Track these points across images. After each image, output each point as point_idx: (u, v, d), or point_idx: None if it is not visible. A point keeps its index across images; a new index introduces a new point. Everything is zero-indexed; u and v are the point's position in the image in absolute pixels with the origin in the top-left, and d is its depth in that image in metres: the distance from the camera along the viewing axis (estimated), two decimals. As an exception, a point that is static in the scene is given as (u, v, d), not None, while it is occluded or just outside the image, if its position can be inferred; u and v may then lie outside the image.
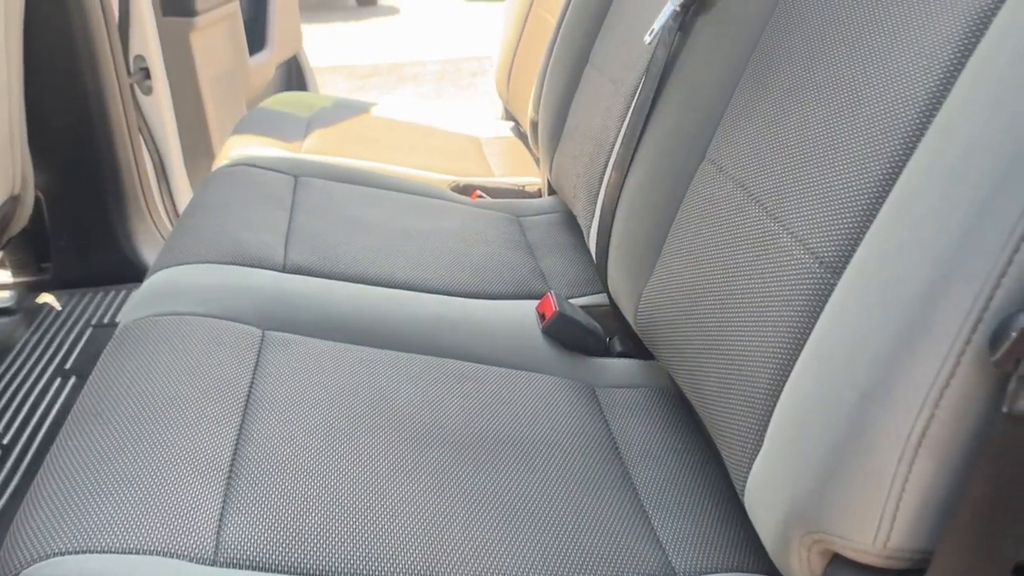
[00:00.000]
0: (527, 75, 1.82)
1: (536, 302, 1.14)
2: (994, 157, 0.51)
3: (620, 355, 1.08)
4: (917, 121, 0.60)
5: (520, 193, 1.62)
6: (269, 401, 0.84)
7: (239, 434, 0.78)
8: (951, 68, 0.59)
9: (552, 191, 1.50)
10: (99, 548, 0.62)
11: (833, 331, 0.60)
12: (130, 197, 2.07)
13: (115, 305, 1.99)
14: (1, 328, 1.92)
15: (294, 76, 2.95)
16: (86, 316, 1.94)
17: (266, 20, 2.63)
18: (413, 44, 7.92)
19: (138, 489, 0.68)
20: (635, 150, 1.04)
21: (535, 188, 1.64)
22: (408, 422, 0.86)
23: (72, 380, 1.71)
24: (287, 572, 0.65)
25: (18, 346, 1.81)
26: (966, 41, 0.59)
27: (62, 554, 0.62)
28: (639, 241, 0.96)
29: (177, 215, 2.20)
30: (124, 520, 0.65)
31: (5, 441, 1.52)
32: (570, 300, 1.15)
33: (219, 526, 0.67)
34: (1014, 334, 0.46)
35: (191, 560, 0.63)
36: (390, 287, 1.13)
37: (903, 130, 0.61)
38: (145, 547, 0.63)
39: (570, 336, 1.06)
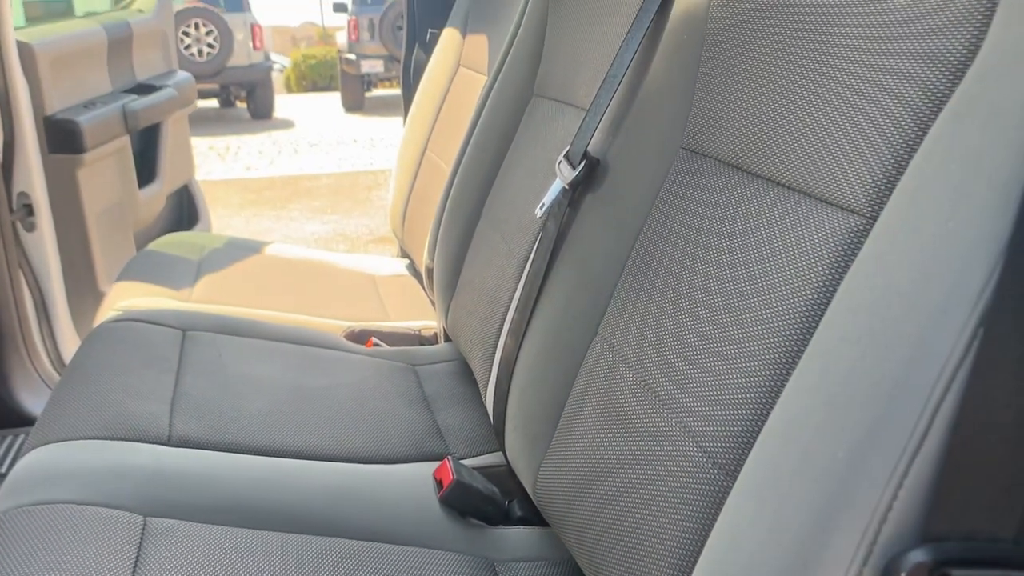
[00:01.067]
0: (421, 217, 1.82)
1: (434, 464, 1.11)
2: (875, 383, 0.52)
3: (520, 520, 1.06)
4: (796, 338, 0.61)
5: (416, 338, 1.60)
6: (149, 607, 0.78)
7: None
8: (826, 285, 0.61)
9: (448, 338, 1.48)
10: None
11: (727, 544, 0.60)
12: (8, 339, 1.94)
13: (-11, 455, 1.85)
14: None
15: (185, 204, 2.88)
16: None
17: (157, 152, 2.58)
18: (308, 157, 7.94)
19: None
20: (529, 318, 1.04)
21: (431, 332, 1.62)
22: (301, 620, 0.80)
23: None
24: None
25: None
26: (840, 261, 0.61)
27: None
28: (536, 413, 0.96)
29: (60, 357, 2.08)
30: None
31: None
32: (468, 460, 1.13)
33: None
34: (903, 574, 0.46)
35: None
36: (282, 456, 1.08)
37: (784, 344, 0.62)
38: None
39: (468, 504, 1.03)
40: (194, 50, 9.60)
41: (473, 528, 1.02)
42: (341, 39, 11.72)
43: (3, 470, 1.79)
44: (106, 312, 1.55)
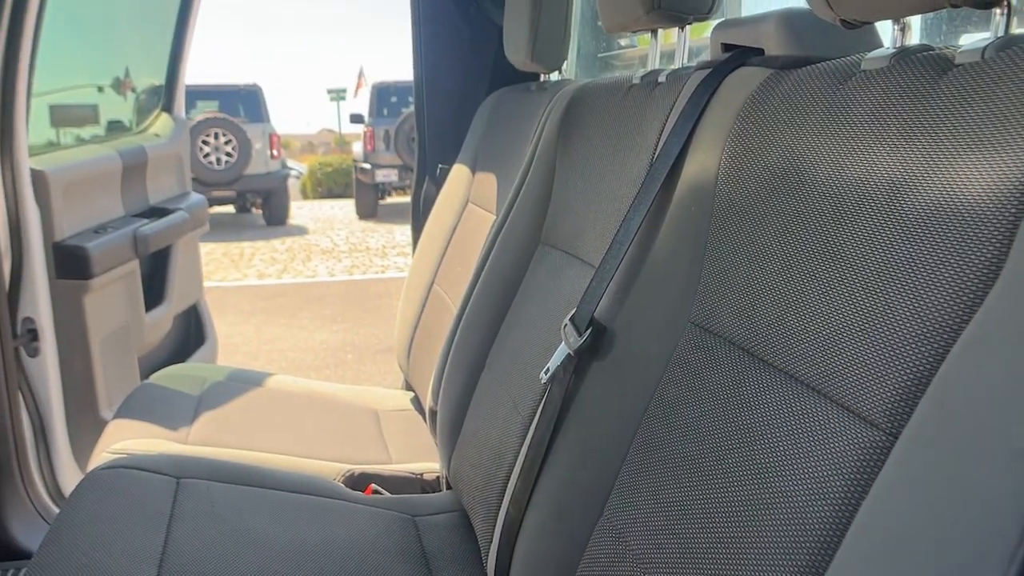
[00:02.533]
0: (426, 352, 1.80)
1: (429, 638, 1.05)
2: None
3: None
4: (813, 558, 0.57)
5: (418, 483, 1.55)
6: None
7: None
8: (846, 503, 0.58)
9: (451, 485, 1.44)
10: None
11: None
12: (4, 469, 1.90)
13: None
14: None
15: (192, 324, 2.87)
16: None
17: (166, 275, 2.59)
18: (320, 264, 8.01)
19: None
20: (533, 487, 1.00)
21: (434, 476, 1.57)
22: None
23: None
24: None
25: None
26: (860, 479, 0.57)
27: None
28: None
29: (58, 488, 2.02)
30: None
31: None
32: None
33: None
34: None
35: None
36: (271, 628, 1.02)
37: (801, 563, 0.58)
38: None
39: None
40: (213, 158, 9.84)
41: None
42: (357, 148, 12.01)
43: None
44: (101, 454, 1.51)
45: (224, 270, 7.75)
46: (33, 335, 2.02)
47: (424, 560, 1.25)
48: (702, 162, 0.91)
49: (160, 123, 2.85)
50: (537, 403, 1.08)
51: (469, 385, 1.36)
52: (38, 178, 2.01)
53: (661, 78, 1.14)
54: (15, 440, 1.92)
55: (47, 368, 2.04)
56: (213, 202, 10.56)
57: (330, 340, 5.32)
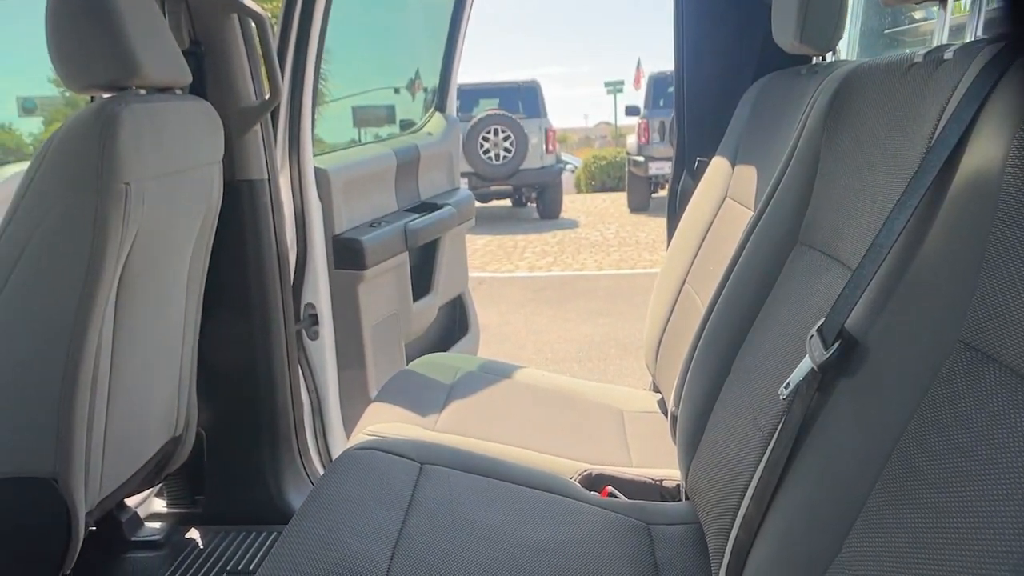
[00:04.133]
0: (674, 354, 1.74)
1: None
2: None
3: None
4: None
5: (656, 490, 1.50)
6: None
7: None
8: None
9: (689, 496, 1.37)
10: None
11: None
12: (283, 440, 2.11)
13: (252, 549, 1.99)
14: (146, 564, 1.95)
15: (457, 315, 3.02)
16: (223, 559, 1.94)
17: (434, 267, 2.74)
18: (589, 257, 8.12)
19: None
20: (765, 511, 0.91)
21: (674, 484, 1.51)
22: None
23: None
24: None
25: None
26: None
27: None
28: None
29: (330, 458, 2.22)
30: None
31: None
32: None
33: None
34: None
35: None
36: (493, 622, 1.03)
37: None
38: None
39: None
40: (492, 154, 10.33)
41: None
42: (631, 141, 12.04)
43: (250, 567, 1.91)
44: (358, 435, 1.63)
45: (498, 261, 8.10)
46: (314, 320, 2.23)
47: (655, 570, 1.20)
48: (985, 152, 0.77)
49: (433, 122, 3.02)
50: (777, 420, 0.99)
51: (712, 392, 1.28)
52: (321, 176, 2.20)
53: (947, 54, 0.99)
54: (295, 413, 2.12)
55: (324, 350, 2.23)
56: (490, 196, 11.10)
57: (594, 334, 5.38)
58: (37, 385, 1.45)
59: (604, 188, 14.56)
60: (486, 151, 10.32)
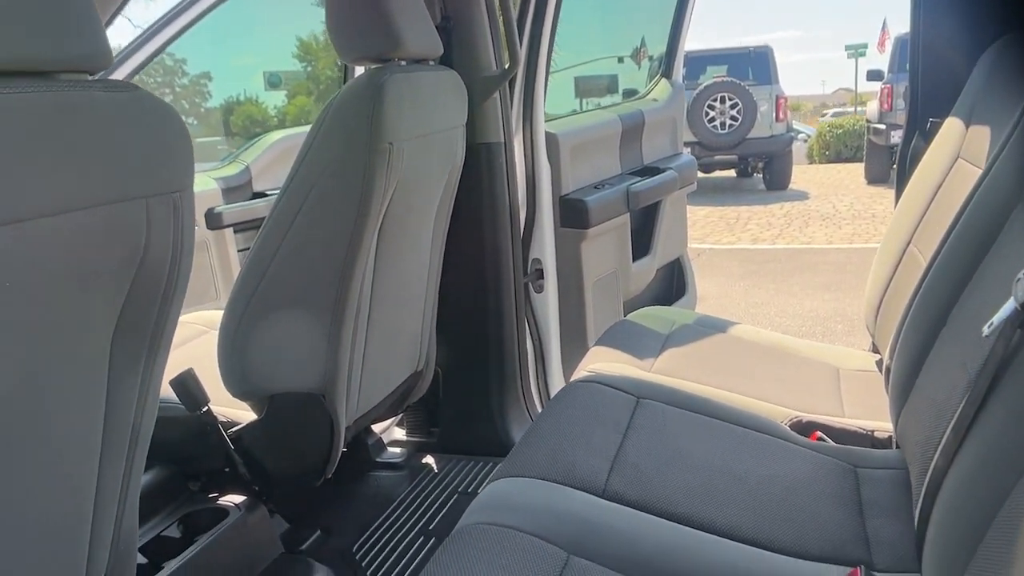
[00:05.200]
0: (895, 314, 1.79)
1: (845, 570, 1.12)
2: None
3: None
4: None
5: (868, 439, 1.58)
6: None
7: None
8: None
9: (899, 445, 1.45)
10: None
11: None
12: (509, 380, 2.36)
13: (480, 476, 2.26)
14: (388, 481, 2.27)
15: (675, 277, 3.15)
16: (455, 483, 2.23)
17: (654, 230, 2.89)
18: (818, 230, 7.90)
19: None
20: (961, 441, 1.01)
21: (885, 435, 1.59)
22: None
23: (432, 541, 1.97)
24: None
25: (397, 500, 2.13)
26: None
27: None
28: (951, 542, 0.93)
29: (549, 397, 2.45)
30: None
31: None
32: (885, 577, 1.11)
33: None
34: None
35: None
36: (700, 530, 1.19)
37: None
38: None
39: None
40: (717, 123, 10.22)
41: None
42: (871, 108, 11.45)
43: (478, 489, 2.17)
44: (580, 372, 1.82)
45: (718, 233, 8.07)
46: (539, 274, 2.45)
47: (858, 508, 1.30)
48: None
49: (659, 88, 3.16)
50: (982, 363, 1.07)
51: (926, 343, 1.36)
52: (551, 140, 2.41)
53: None
54: (520, 358, 2.36)
55: (548, 302, 2.46)
56: (714, 166, 10.99)
57: (820, 309, 5.29)
58: (313, 314, 1.76)
59: (840, 158, 13.93)
60: (711, 119, 10.22)
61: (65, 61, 0.85)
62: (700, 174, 10.09)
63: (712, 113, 10.20)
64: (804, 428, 1.60)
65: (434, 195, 1.99)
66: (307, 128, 1.86)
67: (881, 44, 16.07)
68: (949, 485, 1.00)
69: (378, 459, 2.33)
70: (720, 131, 10.23)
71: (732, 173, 11.83)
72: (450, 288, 2.24)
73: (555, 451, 1.33)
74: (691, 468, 1.34)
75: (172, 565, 1.64)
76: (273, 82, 6.41)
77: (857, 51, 19.04)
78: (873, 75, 11.62)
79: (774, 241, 7.61)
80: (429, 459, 2.35)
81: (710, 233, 8.08)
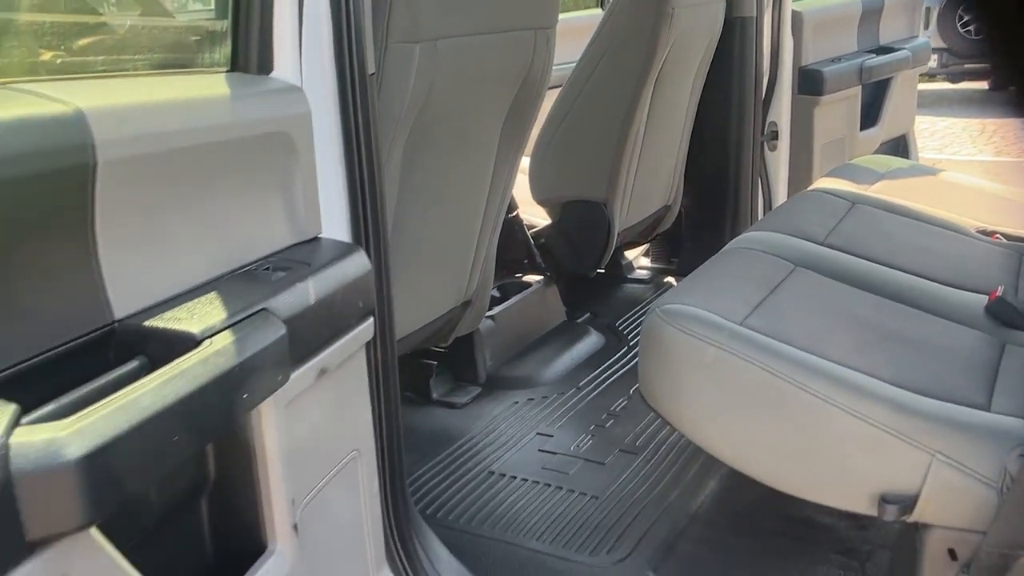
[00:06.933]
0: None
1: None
2: None
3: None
4: None
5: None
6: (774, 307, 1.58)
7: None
8: None
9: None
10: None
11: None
12: (741, 223, 2.98)
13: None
14: (639, 287, 2.96)
15: (900, 151, 3.61)
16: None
17: (882, 103, 3.37)
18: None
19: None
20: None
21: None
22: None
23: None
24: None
25: (648, 299, 2.82)
26: None
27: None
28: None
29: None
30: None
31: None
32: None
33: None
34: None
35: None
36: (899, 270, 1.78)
37: None
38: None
39: (1006, 315, 1.60)
40: (972, 27, 9.96)
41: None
42: None
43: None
44: (810, 187, 2.43)
45: (959, 144, 8.09)
46: (774, 135, 3.03)
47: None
48: None
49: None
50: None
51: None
52: (796, 17, 2.95)
53: None
54: (751, 206, 2.96)
55: (780, 161, 3.03)
56: (963, 76, 10.69)
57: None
58: (602, 142, 2.46)
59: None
60: (965, 24, 9.98)
61: None
62: (947, 84, 9.98)
63: (966, 17, 9.94)
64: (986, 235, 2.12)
65: (695, 57, 2.61)
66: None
67: None
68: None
69: (630, 276, 3.04)
70: (973, 36, 9.97)
71: (983, 84, 11.42)
72: (698, 140, 2.87)
73: (787, 220, 1.96)
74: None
75: (496, 309, 2.42)
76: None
77: None
78: None
79: (1021, 155, 7.57)
80: (670, 279, 3.03)
81: (950, 143, 8.11)
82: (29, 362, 0.77)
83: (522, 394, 2.24)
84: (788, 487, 1.40)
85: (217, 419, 0.85)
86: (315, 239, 1.18)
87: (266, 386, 0.92)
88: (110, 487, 0.70)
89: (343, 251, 1.16)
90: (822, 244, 1.87)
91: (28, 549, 0.66)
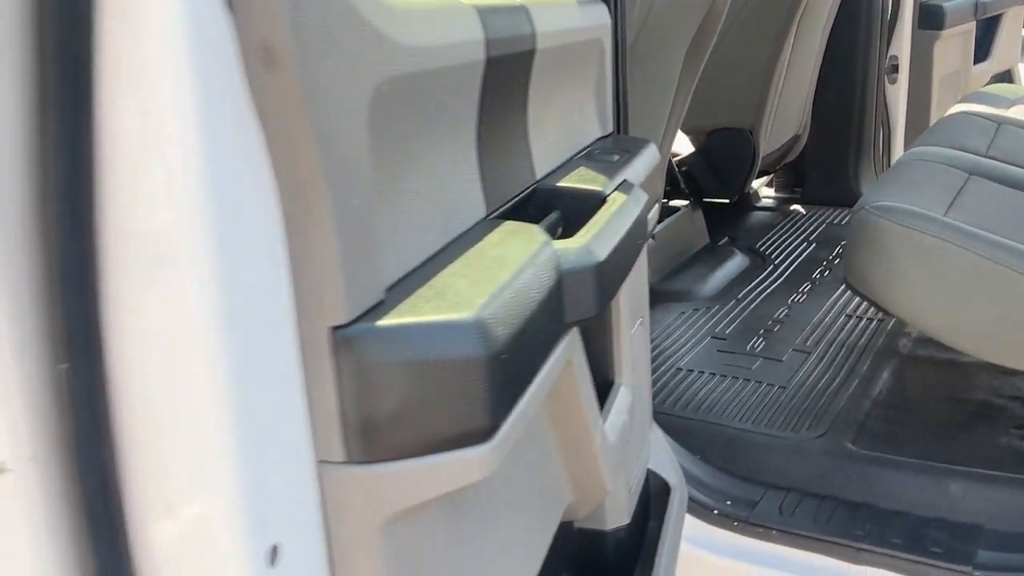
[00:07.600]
0: None
1: None
2: None
3: None
4: None
5: None
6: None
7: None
8: None
9: None
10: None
11: None
12: (864, 152, 3.17)
13: (836, 220, 3.11)
14: (762, 216, 3.18)
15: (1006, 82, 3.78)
16: (817, 220, 3.10)
17: (993, 38, 3.53)
18: None
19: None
20: None
21: None
22: None
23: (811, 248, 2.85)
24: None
25: (782, 228, 3.03)
26: None
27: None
28: None
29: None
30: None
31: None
32: None
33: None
34: None
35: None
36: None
37: None
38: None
39: None
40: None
41: None
42: None
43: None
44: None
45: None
46: (894, 68, 3.21)
47: None
48: None
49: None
50: None
51: None
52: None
53: None
54: (874, 136, 3.15)
55: (899, 94, 3.22)
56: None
57: None
58: (751, 65, 2.65)
59: None
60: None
61: None
62: None
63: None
64: None
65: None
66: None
67: None
68: None
69: (756, 205, 3.25)
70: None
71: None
72: (825, 73, 3.05)
73: (952, 139, 2.16)
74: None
75: (656, 229, 2.64)
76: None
77: None
78: None
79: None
80: (796, 207, 3.24)
81: None
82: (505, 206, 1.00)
83: (687, 305, 2.47)
84: (1007, 360, 1.62)
85: (635, 252, 1.08)
86: (611, 134, 1.40)
87: (646, 234, 1.15)
88: (609, 286, 0.93)
89: (639, 145, 1.39)
90: (986, 156, 2.08)
91: (565, 327, 0.89)
